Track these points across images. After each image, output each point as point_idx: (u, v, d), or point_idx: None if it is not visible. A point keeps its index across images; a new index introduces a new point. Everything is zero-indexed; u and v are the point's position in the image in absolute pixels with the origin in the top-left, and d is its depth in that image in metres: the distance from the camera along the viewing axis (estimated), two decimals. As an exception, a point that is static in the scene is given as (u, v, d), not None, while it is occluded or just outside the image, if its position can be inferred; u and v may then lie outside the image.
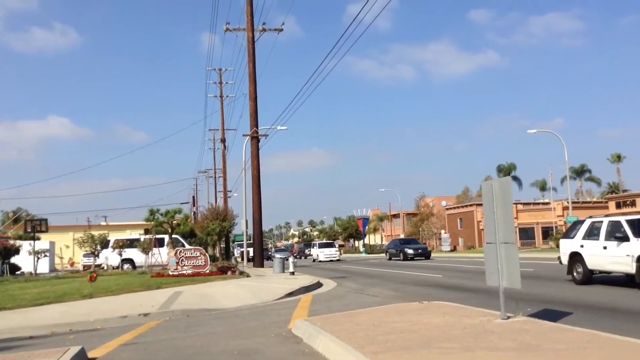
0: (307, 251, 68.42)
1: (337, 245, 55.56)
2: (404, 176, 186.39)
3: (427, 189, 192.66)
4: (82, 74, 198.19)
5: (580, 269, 15.25)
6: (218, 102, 52.29)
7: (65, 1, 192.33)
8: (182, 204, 73.93)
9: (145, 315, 11.97)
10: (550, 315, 9.19)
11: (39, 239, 31.55)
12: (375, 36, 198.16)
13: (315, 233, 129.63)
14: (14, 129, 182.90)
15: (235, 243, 56.82)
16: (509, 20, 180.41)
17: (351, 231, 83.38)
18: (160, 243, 31.40)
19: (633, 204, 56.24)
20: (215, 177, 65.03)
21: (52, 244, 40.60)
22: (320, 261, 46.07)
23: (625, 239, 13.33)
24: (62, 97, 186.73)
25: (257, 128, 30.08)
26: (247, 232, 34.47)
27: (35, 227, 29.29)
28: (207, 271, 22.84)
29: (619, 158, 73.26)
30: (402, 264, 34.35)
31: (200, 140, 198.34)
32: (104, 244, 31.01)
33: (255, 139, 29.94)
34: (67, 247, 41.78)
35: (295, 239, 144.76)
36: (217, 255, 38.68)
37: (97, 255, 30.90)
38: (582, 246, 15.26)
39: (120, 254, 30.80)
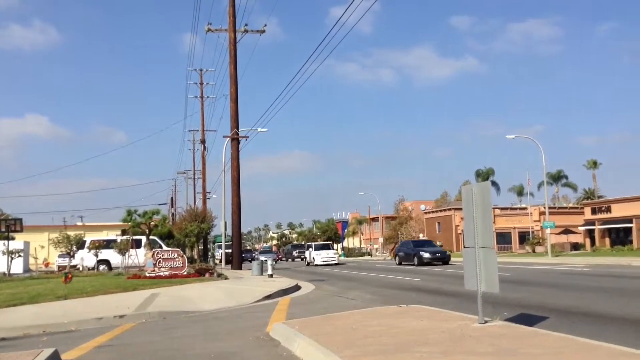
0: (295, 253, 65.94)
1: (335, 247, 50.56)
2: (383, 180, 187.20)
3: (406, 193, 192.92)
4: (61, 73, 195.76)
5: None
6: (198, 102, 52.10)
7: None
8: (160, 204, 73.21)
9: (121, 317, 11.82)
10: (527, 319, 9.26)
11: (13, 238, 30.97)
12: (357, 39, 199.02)
13: (294, 236, 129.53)
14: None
15: (216, 244, 56.52)
16: (489, 26, 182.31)
17: (330, 234, 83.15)
18: (137, 244, 31.03)
19: (608, 209, 57.20)
20: (194, 179, 64.74)
21: (26, 244, 39.96)
22: (316, 265, 41.70)
23: None
24: (41, 95, 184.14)
25: (238, 129, 29.94)
26: (225, 233, 34.30)
27: (9, 226, 28.77)
28: (185, 273, 22.65)
29: (594, 164, 74.52)
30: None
31: (180, 141, 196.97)
32: (80, 244, 30.59)
33: (235, 140, 29.80)
34: (42, 247, 40.99)
35: (274, 242, 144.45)
36: (195, 257, 38.42)
37: (73, 256, 30.48)
38: None
39: (97, 255, 30.41)
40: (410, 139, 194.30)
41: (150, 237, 32.34)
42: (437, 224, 79.69)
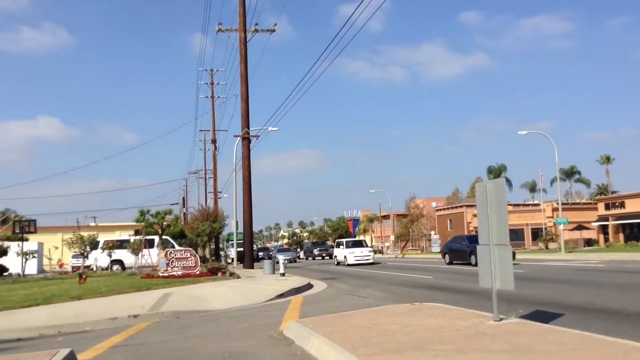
0: (315, 251, 61.52)
1: (368, 245, 42.67)
2: (394, 177, 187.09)
3: (417, 190, 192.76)
4: (72, 74, 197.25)
5: None
6: (209, 102, 52.24)
7: (56, 1, 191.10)
8: (172, 204, 73.64)
9: (135, 316, 11.87)
10: (542, 316, 9.19)
11: (27, 239, 31.30)
12: (366, 37, 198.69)
13: (305, 234, 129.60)
14: (2, 129, 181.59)
15: (230, 242, 56.39)
16: (498, 22, 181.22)
17: (341, 232, 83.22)
18: (150, 244, 31.22)
19: (622, 205, 56.66)
20: (205, 178, 64.90)
21: (40, 245, 40.30)
22: (348, 265, 35.83)
23: None
24: (52, 97, 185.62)
25: (249, 129, 29.99)
26: (237, 233, 34.38)
27: (23, 228, 29.05)
28: (197, 272, 22.73)
29: (608, 159, 73.78)
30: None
31: (191, 141, 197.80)
32: (94, 245, 30.81)
33: (246, 139, 29.85)
34: (56, 248, 41.39)
35: (285, 240, 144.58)
36: (207, 256, 38.57)
37: (86, 257, 30.68)
38: None
39: (110, 255, 30.61)
40: (419, 136, 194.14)
41: (163, 236, 32.55)
42: (448, 221, 79.42)
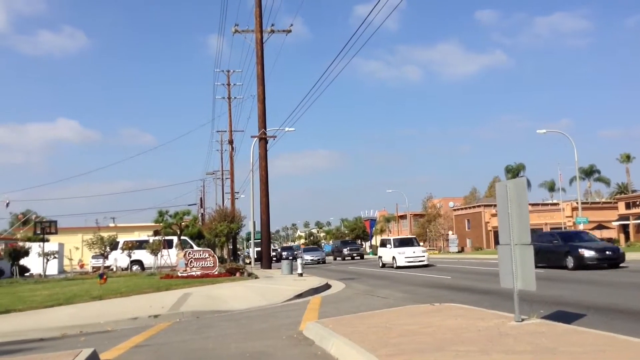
0: (345, 250, 54.66)
1: (420, 244, 37.57)
2: (411, 177, 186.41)
3: (434, 190, 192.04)
4: (91, 77, 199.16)
5: None
6: (226, 103, 52.59)
7: (74, 4, 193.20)
8: (189, 205, 74.18)
9: (156, 317, 11.96)
10: (564, 317, 9.10)
11: (48, 240, 31.65)
12: (382, 37, 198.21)
13: (322, 234, 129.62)
14: (22, 132, 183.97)
15: (250, 242, 55.99)
16: (515, 20, 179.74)
17: (358, 232, 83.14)
18: (169, 244, 31.44)
19: (643, 204, 55.88)
20: (222, 179, 65.31)
21: (61, 245, 40.75)
22: (398, 267, 30.51)
23: None
24: (72, 100, 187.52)
25: (266, 129, 30.09)
26: (254, 233, 34.49)
27: (44, 228, 29.38)
28: (216, 272, 22.85)
29: (628, 158, 72.81)
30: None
31: (208, 142, 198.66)
32: (113, 245, 31.08)
33: (263, 140, 29.94)
34: (77, 248, 41.89)
35: (302, 240, 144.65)
36: (225, 256, 38.75)
37: (106, 257, 30.98)
38: None
39: (130, 256, 30.90)
40: (436, 135, 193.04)
41: (181, 237, 32.75)
42: (466, 221, 78.94)
